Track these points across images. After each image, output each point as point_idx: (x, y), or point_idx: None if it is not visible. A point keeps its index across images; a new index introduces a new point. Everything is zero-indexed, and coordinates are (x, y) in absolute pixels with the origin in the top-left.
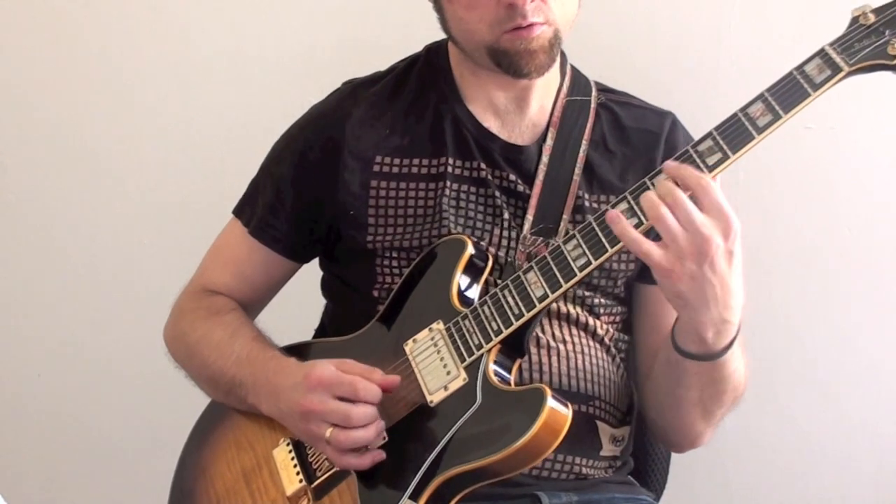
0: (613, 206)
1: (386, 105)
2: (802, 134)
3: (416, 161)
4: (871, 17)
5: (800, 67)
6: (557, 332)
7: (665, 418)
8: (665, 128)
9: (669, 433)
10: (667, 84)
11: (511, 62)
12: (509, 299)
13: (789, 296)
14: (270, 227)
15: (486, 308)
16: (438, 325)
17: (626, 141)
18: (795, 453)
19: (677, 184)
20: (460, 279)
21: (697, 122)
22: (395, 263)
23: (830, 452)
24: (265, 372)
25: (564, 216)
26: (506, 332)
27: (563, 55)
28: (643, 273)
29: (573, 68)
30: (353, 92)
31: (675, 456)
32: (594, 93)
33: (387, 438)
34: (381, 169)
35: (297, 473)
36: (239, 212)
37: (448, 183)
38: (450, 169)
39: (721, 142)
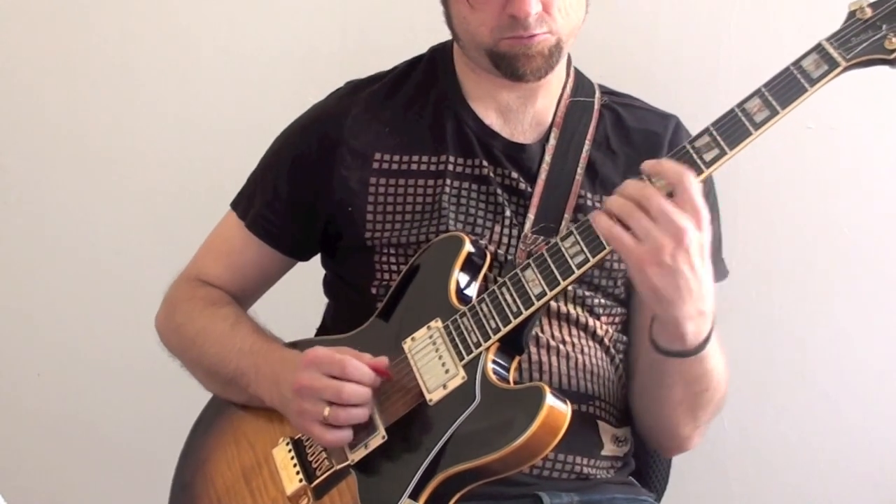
0: None
1: (385, 103)
2: (802, 134)
3: (415, 158)
4: (868, 12)
5: (797, 62)
6: (557, 333)
7: (652, 420)
8: (669, 129)
9: (658, 436)
10: (667, 84)
11: (509, 64)
12: (507, 297)
13: (788, 296)
14: (266, 221)
15: (484, 306)
16: (437, 324)
17: (629, 142)
18: (795, 453)
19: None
20: (458, 277)
21: (698, 122)
22: (393, 260)
23: (830, 453)
24: (269, 362)
25: (566, 215)
26: (504, 331)
27: (567, 57)
28: None
29: (577, 70)
30: (352, 91)
31: (676, 457)
32: (597, 94)
33: (386, 437)
34: (381, 165)
35: (297, 473)
36: (236, 205)
37: (448, 181)
38: (450, 167)
39: (718, 138)
